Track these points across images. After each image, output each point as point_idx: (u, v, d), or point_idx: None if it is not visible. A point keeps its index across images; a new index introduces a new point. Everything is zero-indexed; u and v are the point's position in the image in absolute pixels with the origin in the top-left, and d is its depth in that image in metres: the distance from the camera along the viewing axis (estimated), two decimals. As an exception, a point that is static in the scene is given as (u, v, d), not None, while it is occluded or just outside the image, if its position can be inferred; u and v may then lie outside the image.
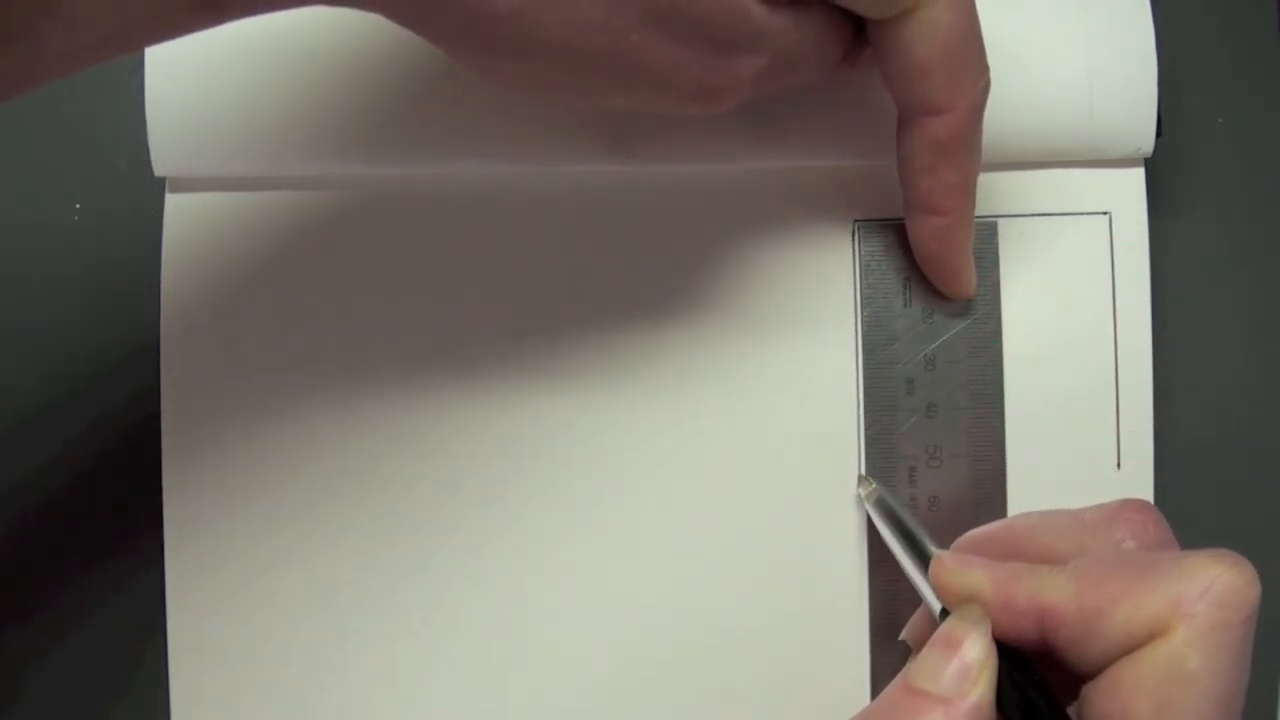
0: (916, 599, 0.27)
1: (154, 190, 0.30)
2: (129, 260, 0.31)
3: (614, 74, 0.23)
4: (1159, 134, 0.29)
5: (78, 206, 0.31)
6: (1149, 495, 0.30)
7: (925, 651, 0.23)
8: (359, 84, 0.28)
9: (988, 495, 0.30)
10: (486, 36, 0.22)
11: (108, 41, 0.21)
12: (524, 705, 0.30)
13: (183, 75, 0.29)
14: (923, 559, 0.26)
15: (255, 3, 0.22)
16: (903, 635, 0.28)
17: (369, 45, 0.28)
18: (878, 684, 0.30)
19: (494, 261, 0.30)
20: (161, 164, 0.29)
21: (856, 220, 0.30)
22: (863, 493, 0.29)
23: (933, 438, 0.30)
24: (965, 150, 0.26)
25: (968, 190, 0.27)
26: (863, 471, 0.30)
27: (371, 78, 0.28)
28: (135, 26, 0.21)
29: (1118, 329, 0.30)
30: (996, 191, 0.30)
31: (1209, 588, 0.21)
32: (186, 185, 0.30)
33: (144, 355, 0.30)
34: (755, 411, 0.30)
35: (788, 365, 0.30)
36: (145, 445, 0.30)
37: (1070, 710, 0.23)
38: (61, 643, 0.31)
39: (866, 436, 0.30)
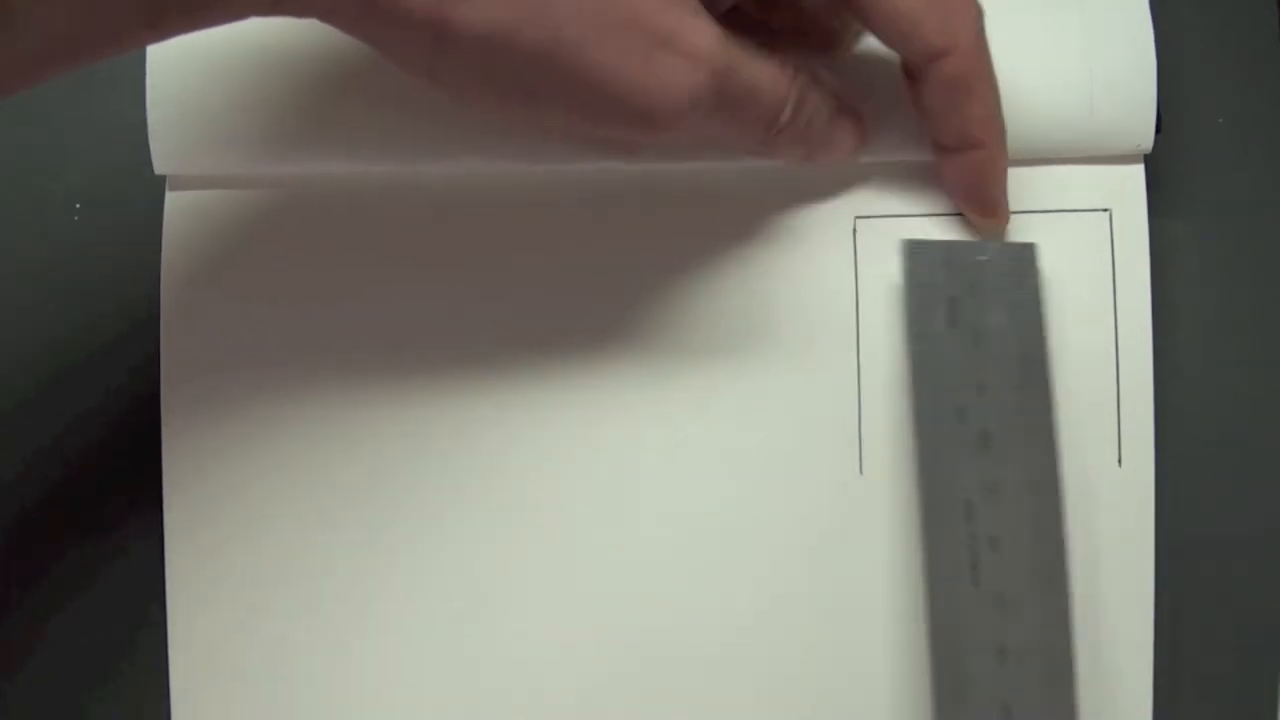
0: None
1: (155, 189, 0.30)
2: (129, 260, 0.31)
3: (550, 77, 0.23)
4: (1158, 130, 0.29)
5: (78, 206, 0.31)
6: (1149, 495, 0.29)
7: None
8: (360, 82, 0.28)
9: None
10: (417, 42, 0.22)
11: (58, 55, 0.21)
12: (525, 701, 0.30)
13: (184, 73, 0.29)
14: None
15: (198, 18, 0.22)
16: None
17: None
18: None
19: (494, 260, 0.30)
20: (162, 162, 0.29)
21: (857, 219, 0.30)
22: None
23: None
24: (981, 80, 0.27)
25: (996, 116, 0.28)
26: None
27: (373, 75, 0.28)
28: (85, 40, 0.21)
29: (1118, 327, 0.30)
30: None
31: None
32: (187, 183, 0.30)
33: (144, 355, 0.30)
34: (754, 408, 0.30)
35: (787, 363, 0.30)
36: (145, 445, 0.30)
37: None
38: (60, 648, 0.31)
39: (865, 434, 0.30)
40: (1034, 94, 0.29)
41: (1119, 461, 0.30)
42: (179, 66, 0.28)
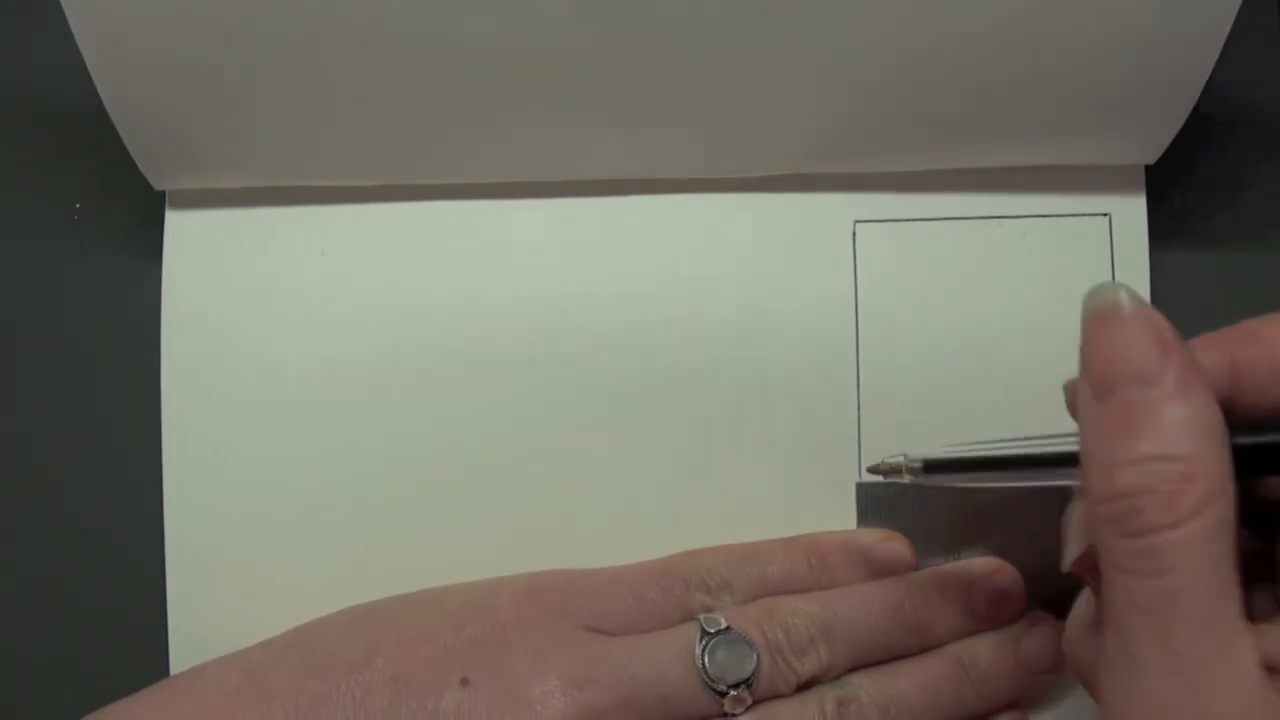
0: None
1: (155, 190, 0.30)
2: (129, 261, 0.31)
3: None
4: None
5: (78, 206, 0.31)
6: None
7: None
8: (356, 94, 0.28)
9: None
10: None
11: None
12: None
13: (158, 99, 0.28)
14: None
15: None
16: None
17: (366, 52, 0.28)
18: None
19: (494, 265, 0.30)
20: (158, 180, 0.29)
21: (856, 222, 0.30)
22: (906, 462, 0.25)
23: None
24: None
25: None
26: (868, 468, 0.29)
27: (371, 87, 0.28)
28: None
29: (1118, 330, 0.30)
30: (997, 192, 0.30)
31: None
32: (187, 200, 0.30)
33: (144, 356, 0.30)
34: (753, 411, 0.30)
35: (787, 366, 0.30)
36: (146, 448, 0.30)
37: None
38: (61, 651, 0.31)
39: (865, 434, 0.30)
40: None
41: (1118, 465, 0.30)
42: (146, 94, 0.27)
